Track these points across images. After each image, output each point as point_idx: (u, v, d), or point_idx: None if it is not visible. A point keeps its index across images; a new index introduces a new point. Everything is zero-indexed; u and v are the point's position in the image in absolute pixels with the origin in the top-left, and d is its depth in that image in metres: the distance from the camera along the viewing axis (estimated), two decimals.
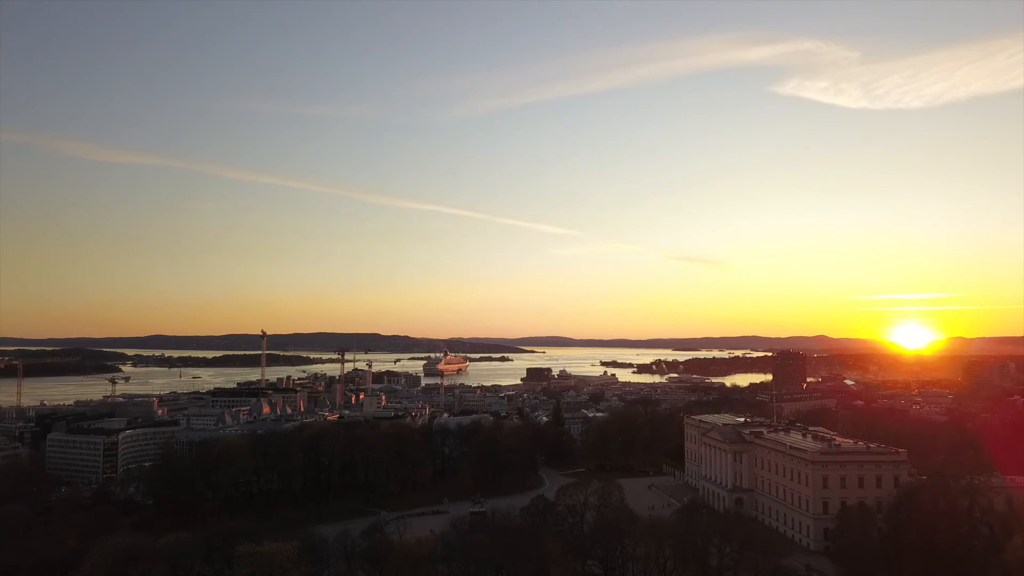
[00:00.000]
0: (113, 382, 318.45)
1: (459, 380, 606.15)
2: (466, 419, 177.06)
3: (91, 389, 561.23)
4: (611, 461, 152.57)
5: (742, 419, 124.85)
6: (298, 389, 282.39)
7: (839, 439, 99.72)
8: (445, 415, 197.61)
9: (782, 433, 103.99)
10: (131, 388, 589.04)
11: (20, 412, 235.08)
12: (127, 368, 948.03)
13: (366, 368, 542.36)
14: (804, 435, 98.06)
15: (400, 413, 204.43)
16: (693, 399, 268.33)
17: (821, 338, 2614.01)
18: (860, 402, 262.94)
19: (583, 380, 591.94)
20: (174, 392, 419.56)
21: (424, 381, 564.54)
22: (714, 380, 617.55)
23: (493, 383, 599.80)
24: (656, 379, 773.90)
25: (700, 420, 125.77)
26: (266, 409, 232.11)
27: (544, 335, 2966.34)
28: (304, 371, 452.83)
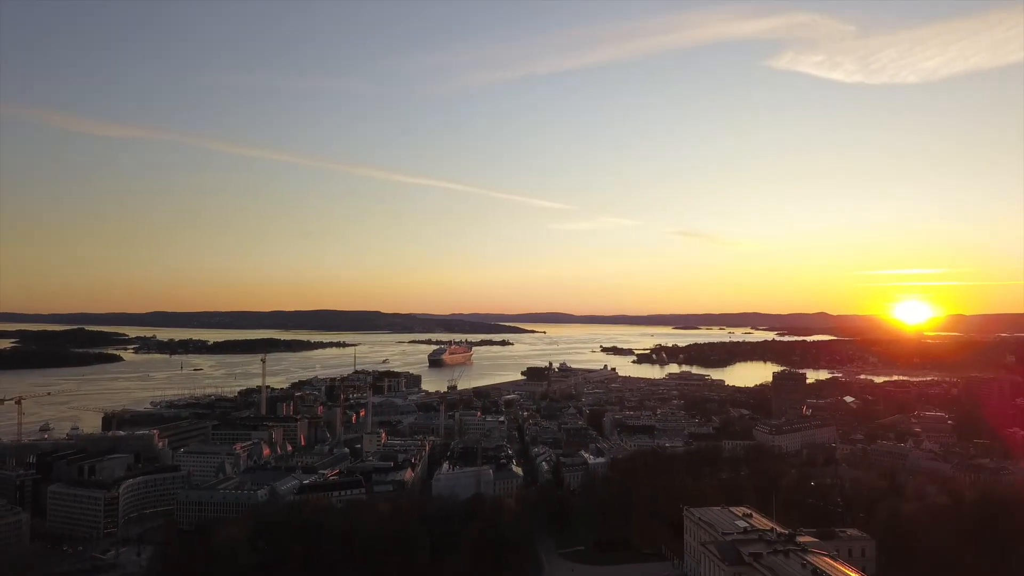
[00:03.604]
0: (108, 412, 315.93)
1: (463, 374, 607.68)
2: (465, 489, 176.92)
3: (91, 388, 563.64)
4: (610, 531, 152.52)
5: (740, 517, 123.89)
6: (298, 418, 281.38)
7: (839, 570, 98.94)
8: (444, 466, 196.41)
9: (781, 556, 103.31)
10: (132, 385, 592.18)
11: (20, 452, 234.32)
12: (128, 356, 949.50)
13: (367, 370, 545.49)
14: (803, 565, 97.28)
15: (400, 463, 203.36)
16: (693, 431, 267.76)
17: (821, 315, 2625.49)
18: (859, 436, 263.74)
19: (584, 379, 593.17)
20: (174, 404, 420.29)
21: (425, 382, 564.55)
22: (714, 377, 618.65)
23: (494, 382, 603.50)
24: (656, 371, 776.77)
25: (699, 518, 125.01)
26: (266, 451, 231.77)
27: (545, 311, 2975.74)
28: (300, 387, 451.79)
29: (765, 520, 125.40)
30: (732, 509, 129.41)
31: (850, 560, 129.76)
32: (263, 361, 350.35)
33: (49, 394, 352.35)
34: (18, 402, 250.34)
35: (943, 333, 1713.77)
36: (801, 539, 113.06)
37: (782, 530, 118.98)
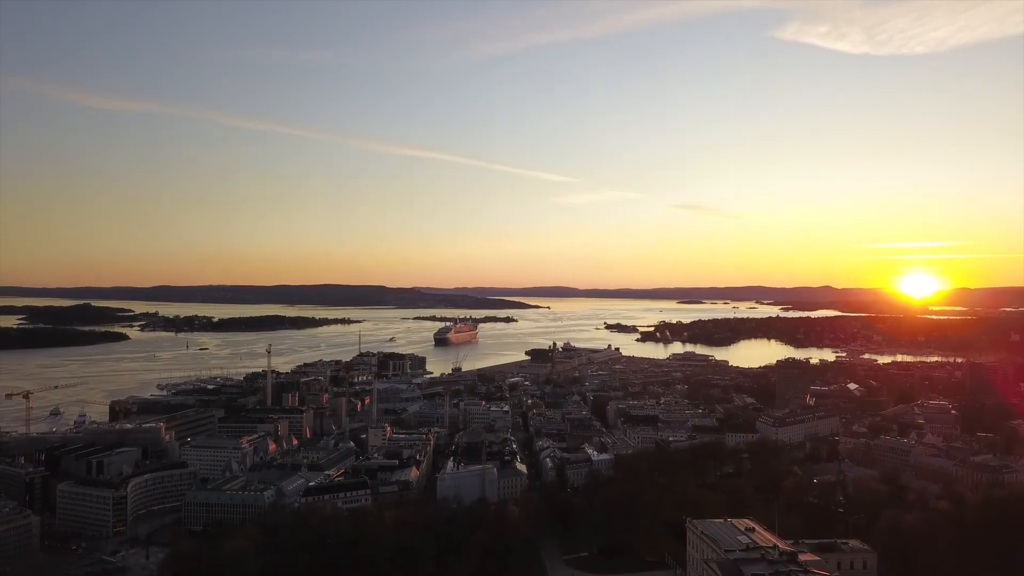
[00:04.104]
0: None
1: (468, 355, 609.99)
2: (470, 490, 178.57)
3: (97, 370, 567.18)
4: (614, 537, 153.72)
5: (743, 531, 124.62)
6: (303, 409, 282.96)
7: None
8: (449, 464, 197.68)
9: None
10: (138, 366, 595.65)
11: (29, 445, 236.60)
12: (134, 333, 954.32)
13: (373, 354, 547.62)
14: None
15: (406, 460, 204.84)
16: (697, 422, 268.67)
17: (826, 289, 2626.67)
18: (863, 429, 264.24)
19: (588, 359, 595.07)
20: (180, 389, 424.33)
21: (430, 362, 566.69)
22: (718, 358, 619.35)
23: (499, 363, 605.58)
24: (660, 350, 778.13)
25: (702, 532, 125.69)
26: (272, 447, 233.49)
27: (549, 284, 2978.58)
28: (304, 371, 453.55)
29: (767, 535, 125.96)
30: (734, 523, 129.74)
31: (851, 572, 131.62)
32: (268, 352, 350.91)
33: (57, 387, 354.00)
34: (26, 396, 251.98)
35: (948, 308, 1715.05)
36: (803, 556, 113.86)
37: (784, 546, 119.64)
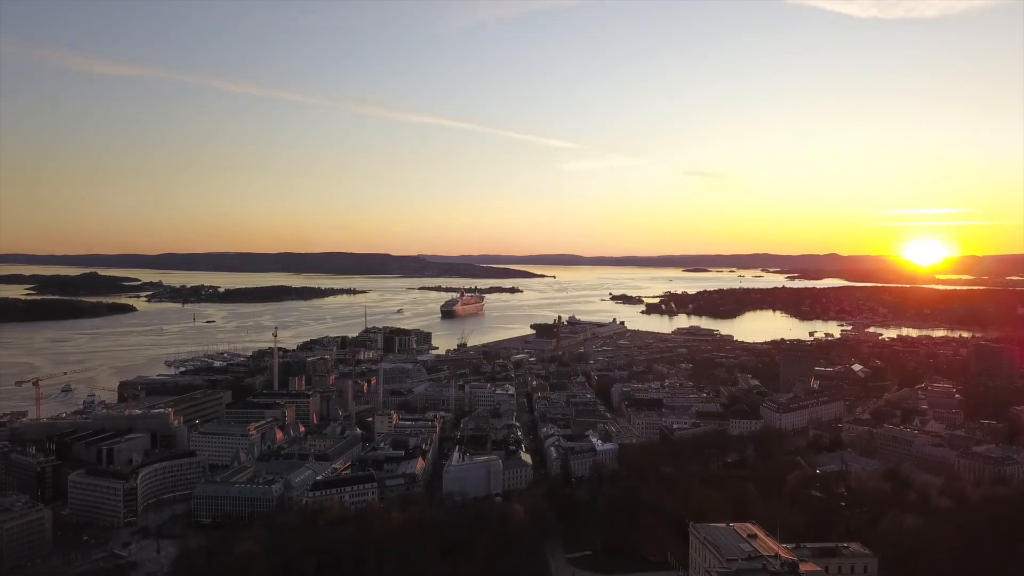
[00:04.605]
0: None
1: (473, 330, 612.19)
2: (476, 483, 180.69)
3: (106, 344, 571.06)
4: (617, 535, 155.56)
5: (745, 538, 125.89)
6: (310, 393, 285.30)
7: None
8: (455, 455, 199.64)
9: None
10: (145, 340, 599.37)
11: (40, 432, 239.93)
12: (140, 304, 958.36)
13: (378, 329, 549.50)
14: None
15: (411, 450, 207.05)
16: (701, 407, 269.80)
17: (832, 256, 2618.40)
18: (866, 415, 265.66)
19: (593, 334, 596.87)
20: (187, 367, 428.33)
21: (436, 337, 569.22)
22: (723, 332, 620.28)
23: (504, 337, 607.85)
24: (665, 322, 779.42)
25: (704, 537, 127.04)
26: (279, 435, 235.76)
27: (555, 252, 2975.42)
28: (310, 347, 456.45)
29: (769, 541, 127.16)
30: (737, 529, 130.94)
31: None
32: (275, 336, 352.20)
33: (66, 374, 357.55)
34: (35, 383, 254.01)
35: (955, 277, 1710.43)
36: (804, 567, 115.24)
37: (785, 554, 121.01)
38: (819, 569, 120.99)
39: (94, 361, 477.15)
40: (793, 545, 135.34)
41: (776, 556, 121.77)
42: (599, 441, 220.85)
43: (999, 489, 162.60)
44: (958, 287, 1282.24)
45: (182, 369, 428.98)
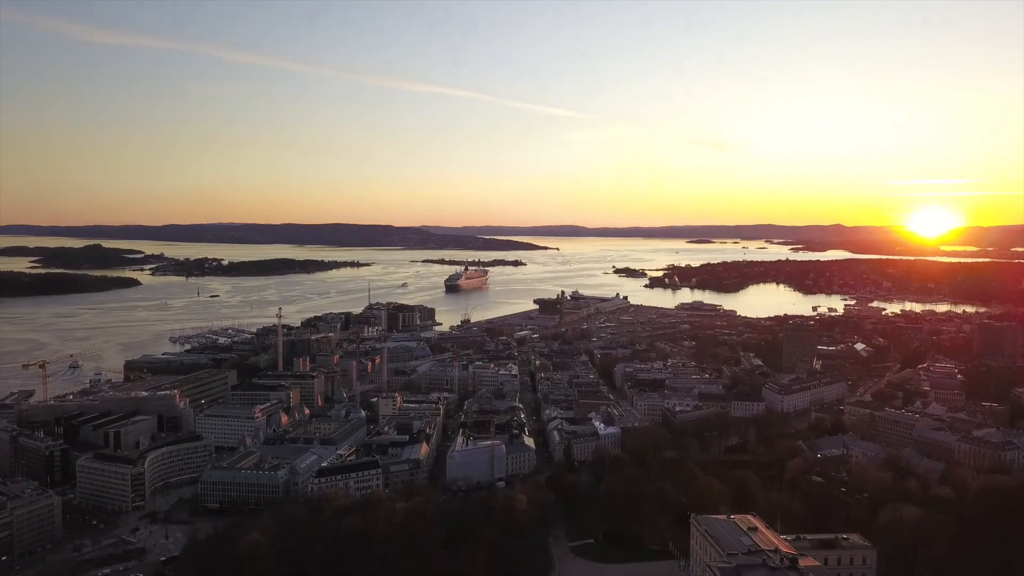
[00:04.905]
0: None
1: (477, 305, 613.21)
2: (479, 468, 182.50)
3: (111, 319, 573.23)
4: (619, 522, 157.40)
5: (745, 531, 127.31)
6: (315, 375, 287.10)
7: None
8: (459, 439, 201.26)
9: None
10: (150, 316, 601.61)
11: (47, 414, 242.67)
12: (145, 278, 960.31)
13: (382, 305, 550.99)
14: None
15: (416, 434, 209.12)
16: (703, 389, 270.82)
17: (837, 227, 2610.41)
18: (868, 397, 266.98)
19: (596, 310, 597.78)
20: (192, 345, 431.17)
21: (440, 312, 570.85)
22: (726, 307, 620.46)
23: (507, 312, 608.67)
24: (668, 297, 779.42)
25: (705, 530, 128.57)
26: (284, 419, 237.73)
27: (558, 223, 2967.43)
28: (314, 324, 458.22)
29: (769, 534, 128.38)
30: (737, 521, 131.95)
31: (851, 568, 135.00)
32: (279, 317, 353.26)
33: (72, 356, 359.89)
34: (42, 366, 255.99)
35: (960, 248, 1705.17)
36: (803, 562, 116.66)
37: (785, 547, 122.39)
38: (818, 563, 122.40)
39: (100, 338, 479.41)
40: (793, 537, 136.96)
41: (776, 550, 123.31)
42: (602, 425, 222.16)
43: (999, 478, 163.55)
44: (963, 259, 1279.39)
45: (187, 347, 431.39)
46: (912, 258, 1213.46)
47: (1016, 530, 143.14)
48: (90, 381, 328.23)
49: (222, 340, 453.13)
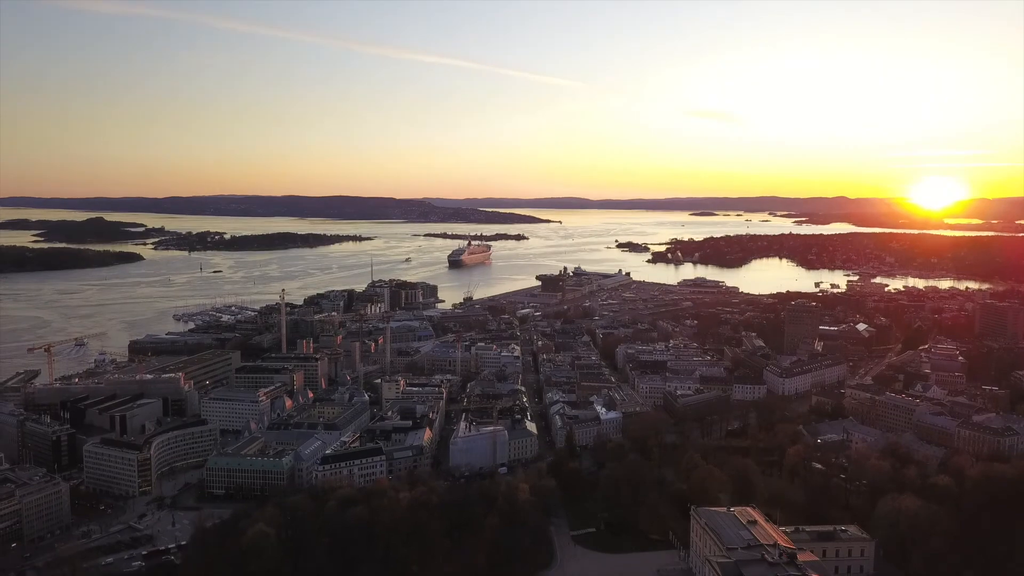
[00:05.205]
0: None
1: (479, 283, 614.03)
2: (482, 454, 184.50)
3: (115, 296, 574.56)
4: (621, 511, 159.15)
5: (745, 524, 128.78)
6: (318, 356, 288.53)
7: None
8: (461, 425, 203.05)
9: None
10: (153, 292, 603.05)
11: (53, 397, 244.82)
12: (147, 252, 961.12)
13: (385, 282, 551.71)
14: None
15: (419, 419, 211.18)
16: (705, 372, 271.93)
17: (840, 199, 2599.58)
18: (869, 380, 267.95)
19: (598, 286, 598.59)
20: (196, 323, 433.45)
21: (442, 290, 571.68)
22: (729, 284, 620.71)
23: (510, 289, 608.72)
24: (671, 272, 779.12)
25: (705, 523, 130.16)
26: (288, 403, 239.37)
27: (561, 196, 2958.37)
28: (317, 302, 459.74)
29: (768, 528, 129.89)
30: (736, 514, 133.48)
31: (849, 560, 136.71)
32: (282, 298, 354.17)
33: (76, 339, 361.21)
34: (47, 350, 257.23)
35: (964, 220, 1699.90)
36: (802, 557, 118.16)
37: (784, 542, 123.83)
38: (816, 559, 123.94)
39: (103, 315, 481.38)
40: (792, 529, 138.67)
41: (775, 544, 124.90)
42: (603, 409, 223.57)
43: (997, 466, 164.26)
44: (967, 232, 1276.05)
45: (191, 325, 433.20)
46: (916, 232, 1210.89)
47: (1014, 520, 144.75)
48: (95, 361, 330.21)
49: (225, 318, 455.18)
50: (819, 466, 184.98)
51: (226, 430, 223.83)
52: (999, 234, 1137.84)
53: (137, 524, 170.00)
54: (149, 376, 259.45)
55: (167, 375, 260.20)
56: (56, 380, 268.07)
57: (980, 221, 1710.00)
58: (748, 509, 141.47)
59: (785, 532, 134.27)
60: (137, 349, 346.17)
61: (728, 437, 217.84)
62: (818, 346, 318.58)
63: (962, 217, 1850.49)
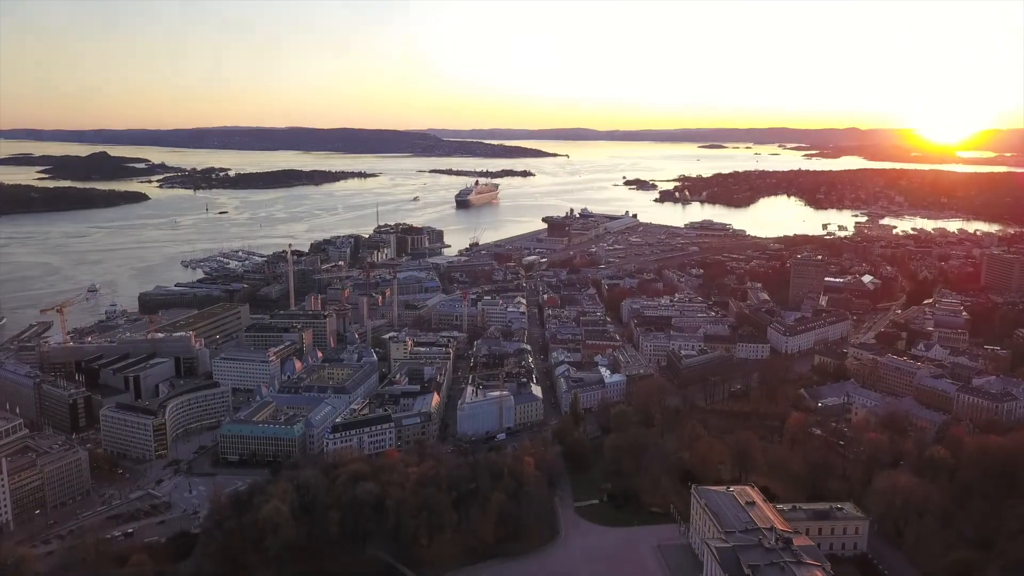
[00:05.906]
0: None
1: (486, 227, 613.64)
2: (488, 419, 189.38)
3: (122, 240, 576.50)
4: (623, 481, 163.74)
5: (743, 506, 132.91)
6: (326, 314, 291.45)
7: None
8: (468, 391, 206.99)
9: (776, 569, 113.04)
10: (160, 236, 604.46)
11: (67, 356, 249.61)
12: (153, 191, 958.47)
13: (391, 227, 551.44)
14: None
15: (427, 382, 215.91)
16: (709, 330, 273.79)
17: (852, 131, 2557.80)
18: (872, 339, 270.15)
19: (604, 230, 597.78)
20: (204, 270, 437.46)
21: (448, 234, 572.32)
22: (736, 226, 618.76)
23: (516, 233, 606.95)
24: (678, 212, 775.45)
25: (705, 504, 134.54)
26: (298, 365, 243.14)
27: (567, 127, 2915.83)
28: (323, 248, 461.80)
29: (766, 509, 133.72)
30: (735, 494, 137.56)
31: (844, 538, 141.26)
32: (289, 247, 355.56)
33: (88, 298, 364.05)
34: (59, 310, 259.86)
35: (977, 154, 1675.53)
36: (797, 541, 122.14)
37: (781, 524, 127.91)
38: (811, 543, 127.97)
39: (112, 261, 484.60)
40: (790, 507, 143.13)
41: (772, 528, 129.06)
42: (607, 372, 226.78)
43: (993, 439, 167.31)
44: (979, 166, 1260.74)
45: (199, 273, 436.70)
46: (927, 167, 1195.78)
47: (1007, 491, 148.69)
48: (106, 312, 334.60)
49: (233, 264, 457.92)
50: (819, 432, 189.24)
51: (237, 389, 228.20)
52: (1011, 170, 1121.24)
53: (155, 491, 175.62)
54: (160, 335, 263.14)
55: (178, 334, 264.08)
56: (69, 335, 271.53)
57: (994, 154, 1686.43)
58: (747, 489, 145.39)
59: (783, 511, 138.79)
60: (147, 301, 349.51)
61: (731, 399, 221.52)
62: (823, 301, 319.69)
63: (975, 149, 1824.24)
